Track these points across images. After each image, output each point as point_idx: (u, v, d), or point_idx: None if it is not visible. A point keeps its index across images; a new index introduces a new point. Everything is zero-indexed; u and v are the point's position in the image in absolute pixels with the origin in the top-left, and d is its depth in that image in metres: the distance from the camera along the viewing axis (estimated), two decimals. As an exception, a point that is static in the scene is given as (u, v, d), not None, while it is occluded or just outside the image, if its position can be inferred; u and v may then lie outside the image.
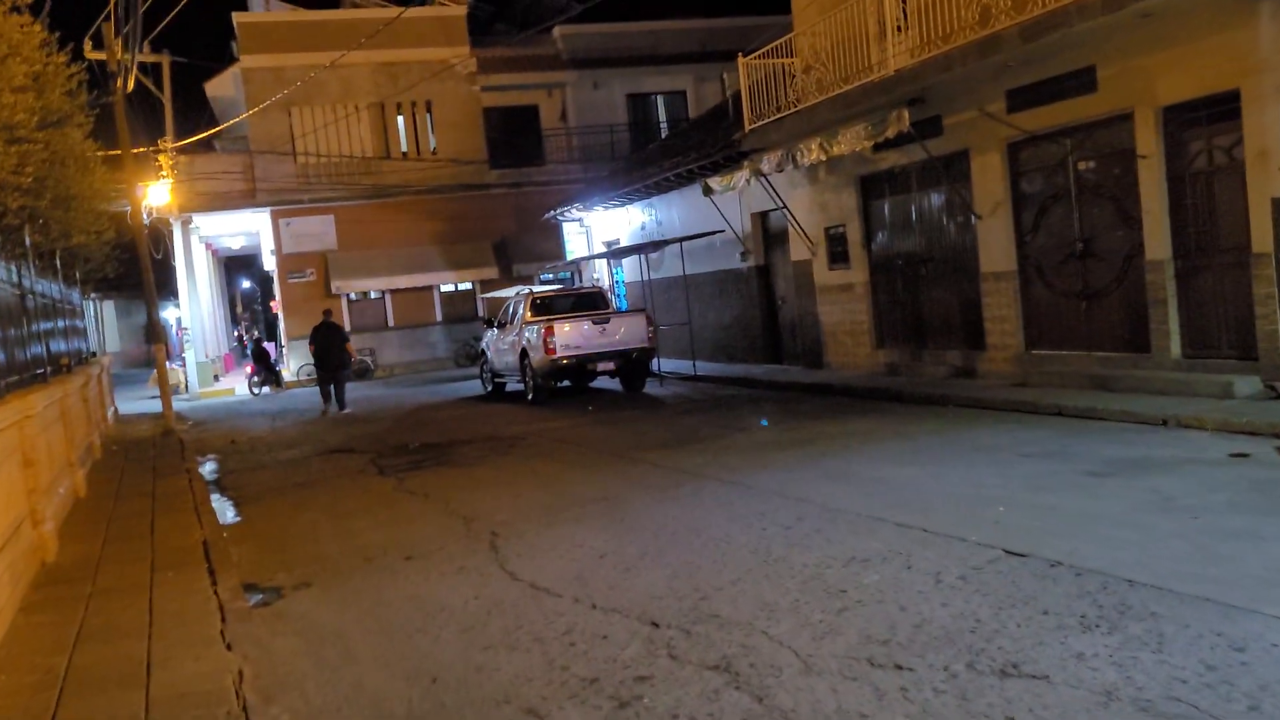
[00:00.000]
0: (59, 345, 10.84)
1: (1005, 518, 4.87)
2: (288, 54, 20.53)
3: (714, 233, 14.29)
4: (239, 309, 38.37)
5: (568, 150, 22.92)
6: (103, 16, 14.27)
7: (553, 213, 19.65)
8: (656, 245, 14.93)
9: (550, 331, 12.38)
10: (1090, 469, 5.76)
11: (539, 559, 5.07)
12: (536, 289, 15.17)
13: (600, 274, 19.94)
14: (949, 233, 10.35)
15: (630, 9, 23.80)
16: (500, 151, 22.60)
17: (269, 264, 22.88)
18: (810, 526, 5.09)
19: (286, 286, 21.48)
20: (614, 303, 16.25)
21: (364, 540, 5.95)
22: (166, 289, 23.57)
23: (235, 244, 26.72)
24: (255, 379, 19.35)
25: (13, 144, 7.26)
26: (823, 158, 10.53)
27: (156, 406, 15.00)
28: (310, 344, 14.79)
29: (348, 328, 16.93)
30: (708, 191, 13.38)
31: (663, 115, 24.04)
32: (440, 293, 22.54)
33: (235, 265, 35.84)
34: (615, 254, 16.88)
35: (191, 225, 21.26)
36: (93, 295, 22.10)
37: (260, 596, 4.99)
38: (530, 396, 12.98)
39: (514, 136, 22.85)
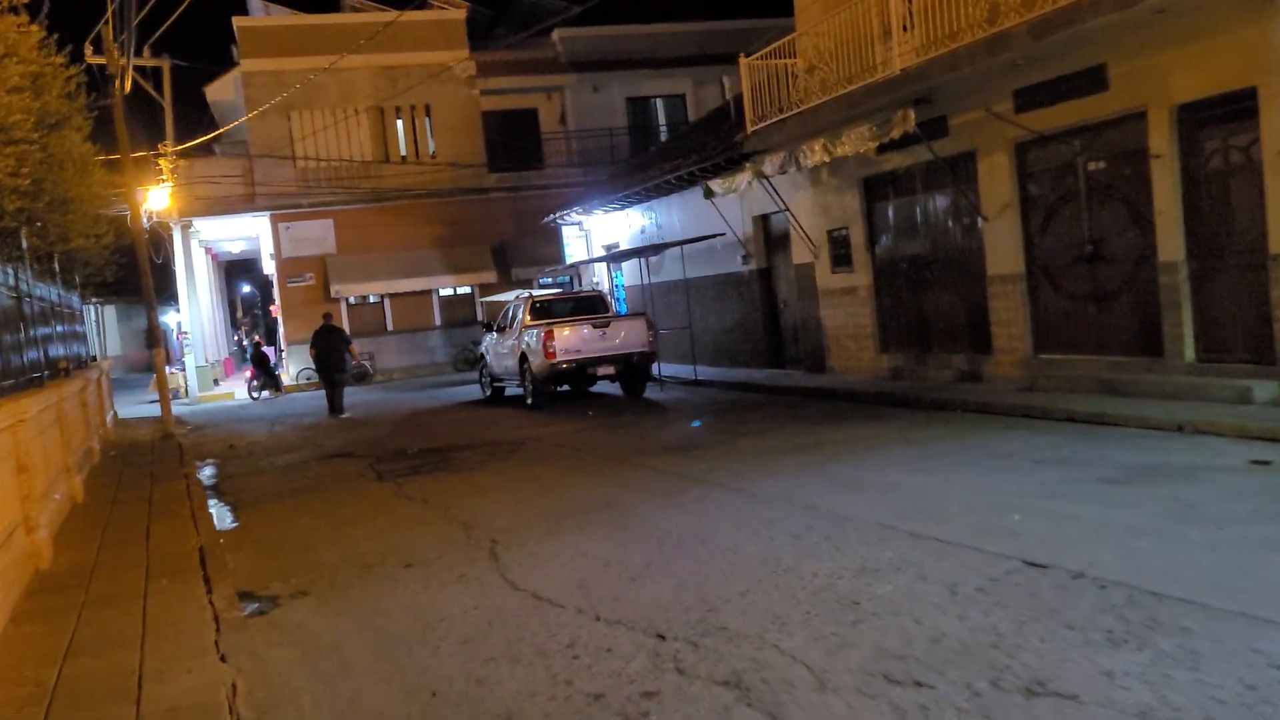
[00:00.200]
0: (57, 349, 10.74)
1: (1021, 526, 4.74)
2: (287, 58, 20.48)
3: (715, 236, 14.19)
4: (239, 313, 38.28)
5: (567, 154, 22.84)
6: (103, 21, 14.21)
7: (552, 216, 19.55)
8: (657, 249, 14.83)
9: (550, 335, 12.27)
10: (1106, 476, 5.63)
11: (541, 568, 4.94)
12: (536, 293, 15.08)
13: (599, 278, 19.84)
14: (955, 235, 10.24)
15: (629, 12, 23.81)
16: (499, 155, 22.53)
17: (268, 268, 22.80)
18: (819, 535, 4.96)
19: (286, 291, 21.39)
20: (614, 306, 16.13)
21: (362, 547, 5.83)
22: (167, 293, 23.48)
23: (235, 248, 26.66)
24: (255, 383, 19.25)
25: (9, 145, 7.16)
26: (826, 159, 10.43)
27: (156, 410, 14.89)
28: (311, 348, 14.77)
29: (347, 332, 16.86)
30: (709, 194, 13.28)
31: (662, 119, 23.96)
32: (439, 297, 22.44)
33: (235, 269, 35.77)
34: (615, 257, 16.77)
35: (191, 229, 21.19)
36: (93, 299, 22.03)
37: (256, 605, 4.87)
38: (530, 401, 12.86)
39: (513, 140, 22.78)
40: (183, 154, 18.99)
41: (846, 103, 9.98)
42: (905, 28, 9.42)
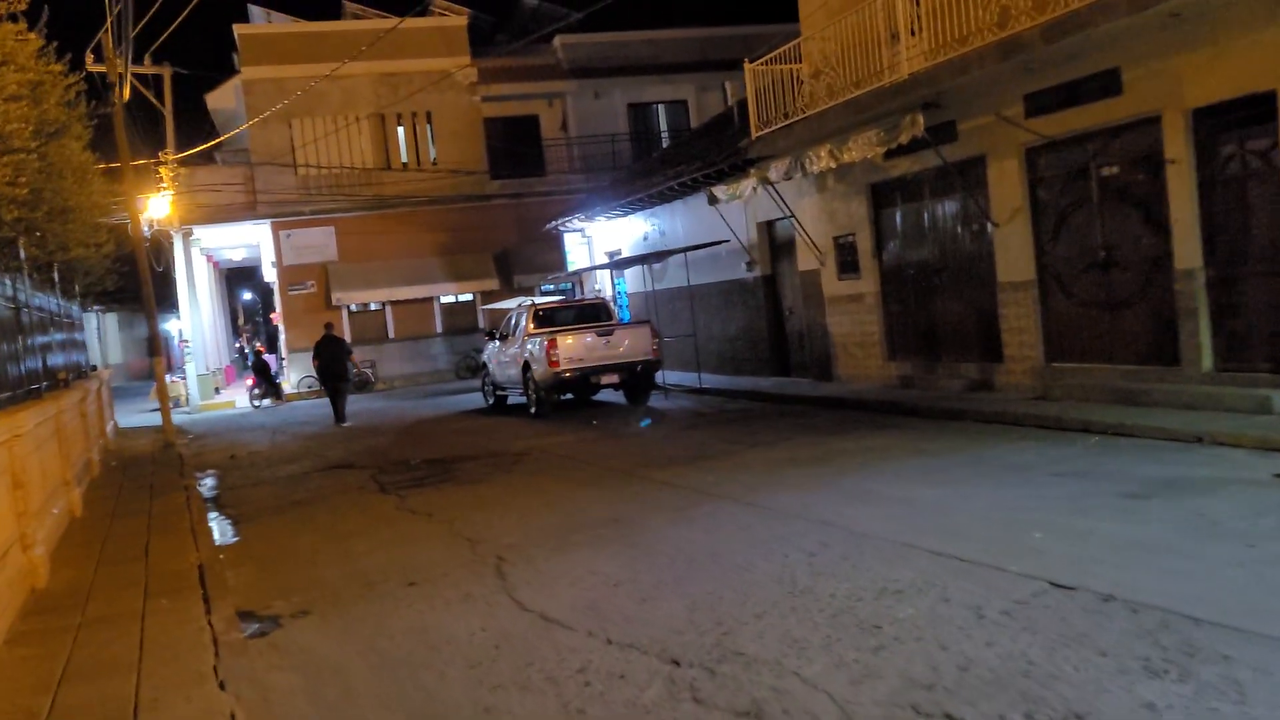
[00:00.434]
0: (56, 359, 10.62)
1: (1044, 544, 4.60)
2: (288, 65, 20.42)
3: (719, 243, 14.07)
4: (240, 321, 38.21)
5: (569, 160, 22.76)
6: (103, 30, 14.14)
7: (554, 223, 19.46)
8: (660, 256, 14.72)
9: (553, 344, 12.15)
10: (1128, 490, 5.49)
11: (549, 587, 4.81)
12: (539, 300, 14.97)
13: (602, 285, 19.73)
14: (964, 241, 10.12)
15: (631, 18, 23.73)
16: (501, 162, 22.45)
17: (270, 276, 22.70)
18: (836, 553, 4.82)
19: (287, 298, 21.30)
20: (617, 314, 16.02)
21: (365, 564, 5.70)
22: (168, 301, 23.38)
23: (236, 256, 26.58)
24: (256, 391, 19.14)
25: (6, 154, 7.07)
26: (833, 165, 10.32)
27: (157, 420, 14.77)
28: (314, 359, 14.73)
29: (348, 340, 16.80)
30: (713, 200, 13.17)
31: (664, 125, 23.89)
32: (441, 304, 22.34)
33: (236, 277, 35.70)
34: (618, 265, 16.66)
35: (192, 237, 21.11)
36: (94, 308, 21.90)
37: (257, 626, 4.74)
38: (533, 410, 12.74)
39: (515, 147, 22.71)
40: (183, 162, 18.92)
41: (853, 108, 9.87)
42: (913, 32, 9.32)
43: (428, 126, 22.03)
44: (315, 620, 4.73)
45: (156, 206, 18.12)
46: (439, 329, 22.33)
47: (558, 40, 22.73)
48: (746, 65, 11.85)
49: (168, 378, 15.56)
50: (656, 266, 15.71)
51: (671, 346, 15.05)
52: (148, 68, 18.61)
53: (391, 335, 21.99)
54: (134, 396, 24.41)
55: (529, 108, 22.99)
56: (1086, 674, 3.12)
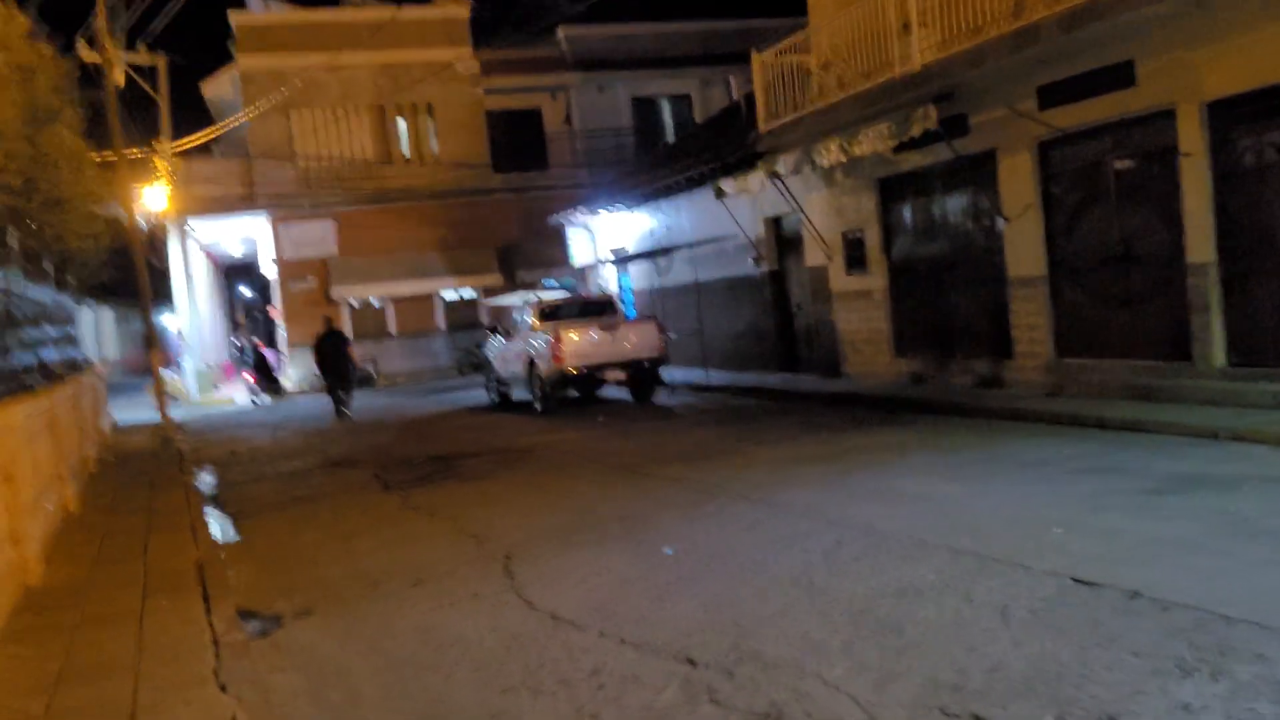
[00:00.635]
0: (50, 353, 10.47)
1: (1066, 541, 4.49)
2: (287, 55, 20.22)
3: (726, 238, 13.94)
4: (238, 316, 38.05)
5: (572, 154, 22.60)
6: (93, 13, 13.94)
7: (558, 218, 19.31)
8: (666, 251, 14.59)
9: (559, 340, 12.02)
10: (1148, 486, 5.38)
11: (558, 585, 4.69)
12: (544, 296, 14.85)
13: (606, 281, 19.59)
14: (974, 236, 9.99)
15: (635, 10, 23.52)
16: (503, 155, 22.29)
17: (268, 271, 22.55)
18: (852, 551, 4.71)
19: (286, 294, 21.13)
20: (623, 310, 15.89)
21: (369, 562, 5.58)
22: (165, 296, 23.22)
23: (234, 250, 26.39)
24: (255, 387, 19.00)
25: (-5, 140, 6.93)
26: (842, 159, 10.18)
27: (154, 416, 14.64)
28: (315, 353, 14.67)
29: (349, 336, 16.71)
30: (720, 194, 13.03)
31: (668, 119, 23.73)
32: (443, 300, 22.20)
33: (234, 273, 35.50)
34: (624, 260, 16.53)
35: (189, 230, 20.92)
36: (90, 301, 21.73)
37: (259, 626, 4.62)
38: (538, 407, 12.62)
39: (517, 140, 22.54)
40: (180, 153, 18.73)
41: (864, 100, 9.74)
42: (924, 24, 9.18)
43: (429, 119, 21.85)
44: (318, 620, 4.61)
45: (153, 198, 17.93)
46: (441, 325, 22.19)
47: (561, 32, 22.53)
48: (755, 56, 11.71)
49: (165, 373, 15.41)
50: (662, 262, 15.59)
51: (677, 343, 14.92)
52: (143, 56, 18.40)
53: (393, 331, 21.84)
54: (131, 392, 24.24)
55: (532, 100, 22.81)
56: (1119, 675, 3.00)
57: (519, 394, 13.80)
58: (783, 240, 13.78)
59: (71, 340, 13.23)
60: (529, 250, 21.65)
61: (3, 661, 4.14)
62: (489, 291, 21.46)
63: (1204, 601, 3.52)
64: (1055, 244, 8.91)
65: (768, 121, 11.60)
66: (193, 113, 23.09)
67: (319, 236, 21.10)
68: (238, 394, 20.15)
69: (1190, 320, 7.57)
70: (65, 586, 5.39)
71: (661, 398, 13.06)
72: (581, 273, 19.99)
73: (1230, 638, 3.19)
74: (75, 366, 12.66)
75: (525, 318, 13.22)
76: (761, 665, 3.40)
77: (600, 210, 17.95)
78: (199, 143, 18.98)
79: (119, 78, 14.42)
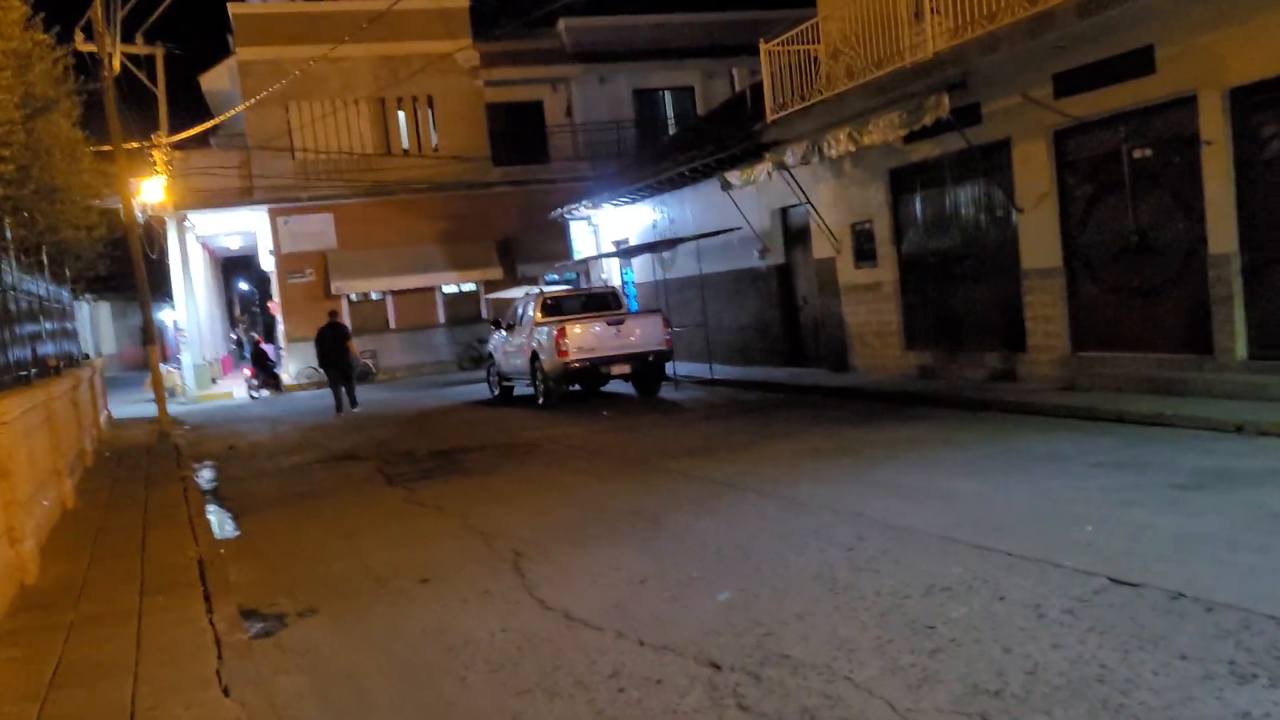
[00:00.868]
0: (46, 347, 10.29)
1: (1096, 538, 4.35)
2: (285, 46, 20.00)
3: (731, 230, 13.78)
4: (236, 311, 37.85)
5: (573, 147, 22.41)
6: (94, 6, 13.72)
7: (560, 211, 19.12)
8: (670, 243, 14.42)
9: (562, 333, 11.87)
10: (1174, 481, 5.24)
11: (571, 584, 4.55)
12: (547, 289, 14.71)
13: (609, 274, 19.42)
14: (986, 228, 9.83)
15: (636, 2, 23.31)
16: (504, 148, 22.10)
17: (267, 264, 22.36)
18: (875, 548, 4.56)
19: (285, 287, 20.96)
20: (626, 303, 15.73)
21: (374, 559, 5.44)
22: (162, 290, 23.04)
23: (232, 244, 26.21)
24: (254, 382, 18.84)
25: (-10, 127, 6.76)
26: (852, 148, 10.02)
27: (152, 410, 14.49)
28: (316, 346, 14.62)
29: (349, 328, 16.58)
30: (726, 186, 12.87)
31: (670, 111, 23.54)
32: (443, 294, 22.03)
33: (232, 266, 35.33)
34: (627, 253, 16.36)
35: (187, 223, 20.73)
36: (87, 296, 21.54)
37: (261, 625, 4.47)
38: (541, 401, 12.47)
39: (518, 132, 22.35)
40: (178, 145, 18.53)
41: (874, 89, 9.57)
42: (935, 10, 9.01)
43: (429, 111, 21.65)
44: (323, 619, 4.46)
45: (150, 190, 17.73)
46: (441, 319, 22.03)
47: (562, 24, 22.32)
48: (763, 45, 11.53)
49: (163, 367, 15.25)
50: (666, 255, 15.41)
51: (681, 336, 14.77)
52: (140, 47, 18.17)
53: (393, 325, 21.68)
54: (128, 387, 24.07)
55: (533, 93, 22.61)
56: (1168, 679, 2.86)
57: (521, 388, 13.66)
58: (790, 232, 13.62)
59: (69, 334, 13.06)
60: (530, 243, 21.47)
61: (-3, 663, 3.99)
62: (489, 285, 21.29)
63: (1247, 601, 3.37)
64: (1071, 235, 8.76)
65: (775, 111, 11.43)
66: (191, 106, 22.91)
67: (318, 229, 20.91)
68: (236, 388, 19.99)
69: (1211, 312, 7.42)
70: (62, 584, 5.24)
71: (666, 392, 12.91)
72: (584, 266, 19.82)
73: (1281, 639, 3.05)
74: (73, 361, 12.50)
75: (528, 311, 13.07)
76: (789, 667, 3.26)
77: (603, 203, 17.77)
78: (197, 133, 18.76)
79: (115, 66, 14.20)
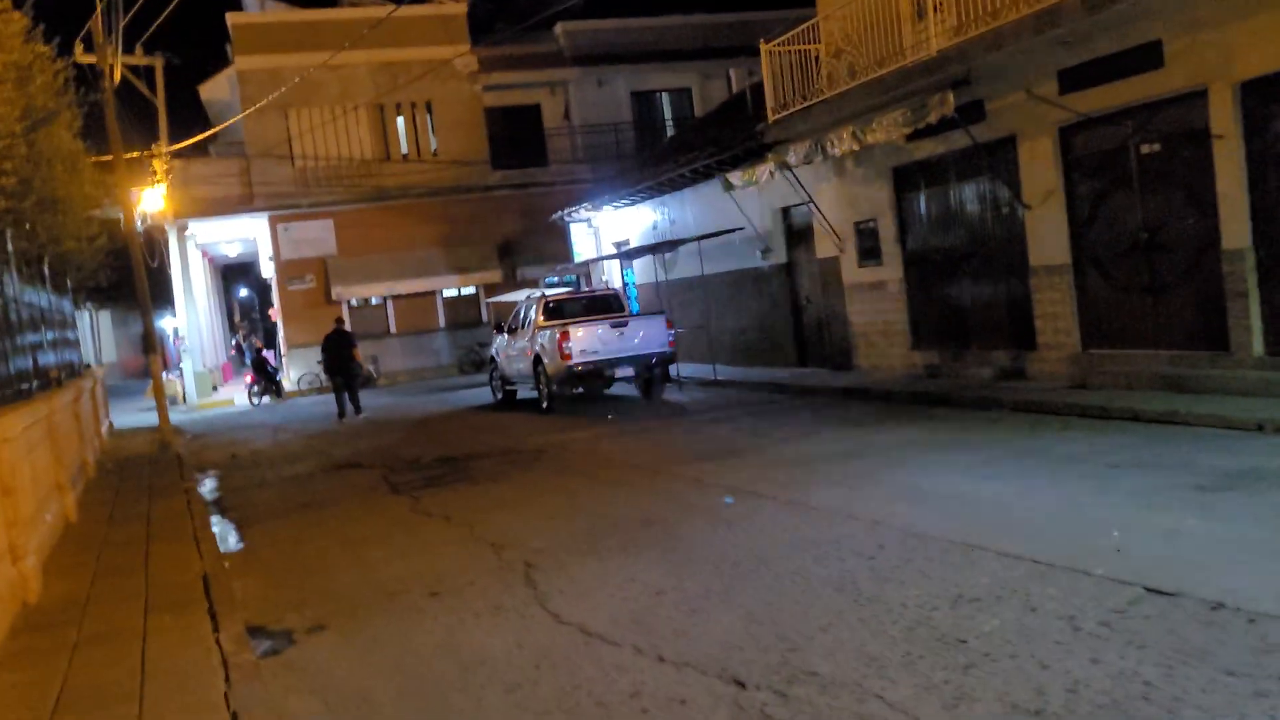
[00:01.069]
0: (48, 358, 10.21)
1: (1125, 544, 4.25)
2: (284, 55, 19.93)
3: (733, 230, 13.69)
4: (236, 318, 37.73)
5: (572, 150, 22.32)
6: (93, 17, 13.63)
7: (561, 213, 19.04)
8: (673, 244, 14.32)
9: (566, 336, 11.77)
10: (1198, 482, 5.14)
11: (586, 597, 4.44)
12: (549, 292, 14.63)
13: (610, 276, 19.32)
14: (993, 225, 9.74)
15: (634, 4, 23.22)
16: (503, 152, 22.01)
17: (267, 271, 22.28)
18: (897, 556, 4.46)
19: (286, 294, 20.87)
20: (628, 305, 15.64)
21: (382, 572, 5.34)
22: (163, 298, 22.94)
23: (232, 251, 26.12)
24: (255, 389, 18.75)
25: (-9, 140, 6.67)
26: (855, 147, 9.93)
27: (154, 419, 14.38)
28: (322, 353, 14.66)
29: (353, 335, 16.52)
30: (728, 187, 12.78)
31: (668, 113, 23.47)
32: (443, 298, 21.94)
33: (232, 274, 35.23)
34: (629, 254, 16.26)
35: (187, 232, 20.65)
36: (88, 305, 21.46)
37: (269, 644, 4.37)
38: (544, 405, 12.37)
39: (516, 136, 22.27)
40: (177, 154, 18.44)
41: (877, 87, 9.48)
42: (936, 8, 8.92)
43: (427, 116, 21.57)
44: (333, 636, 4.36)
45: (150, 200, 17.65)
46: (441, 323, 21.94)
47: (559, 27, 22.24)
48: (763, 45, 11.44)
49: (164, 375, 15.15)
50: (668, 256, 15.32)
51: (683, 338, 14.67)
52: (139, 58, 18.09)
53: (393, 330, 21.58)
54: (130, 395, 23.97)
55: (531, 96, 22.53)
56: (1217, 696, 2.76)
57: (525, 392, 13.56)
58: (792, 232, 13.53)
59: (70, 344, 12.97)
60: (530, 246, 21.39)
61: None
62: (490, 289, 21.20)
63: (1290, 610, 3.28)
64: (1079, 231, 8.67)
65: (776, 111, 11.34)
66: (191, 116, 22.84)
67: (318, 236, 20.83)
68: (237, 395, 19.89)
69: (1226, 308, 7.32)
70: (65, 603, 5.14)
71: (670, 394, 12.82)
72: (584, 269, 19.73)
73: (1328, 651, 2.95)
74: (74, 371, 12.41)
75: (530, 314, 12.97)
76: (817, 685, 3.16)
77: (603, 205, 17.68)
78: (196, 142, 18.68)
79: (116, 76, 14.11)
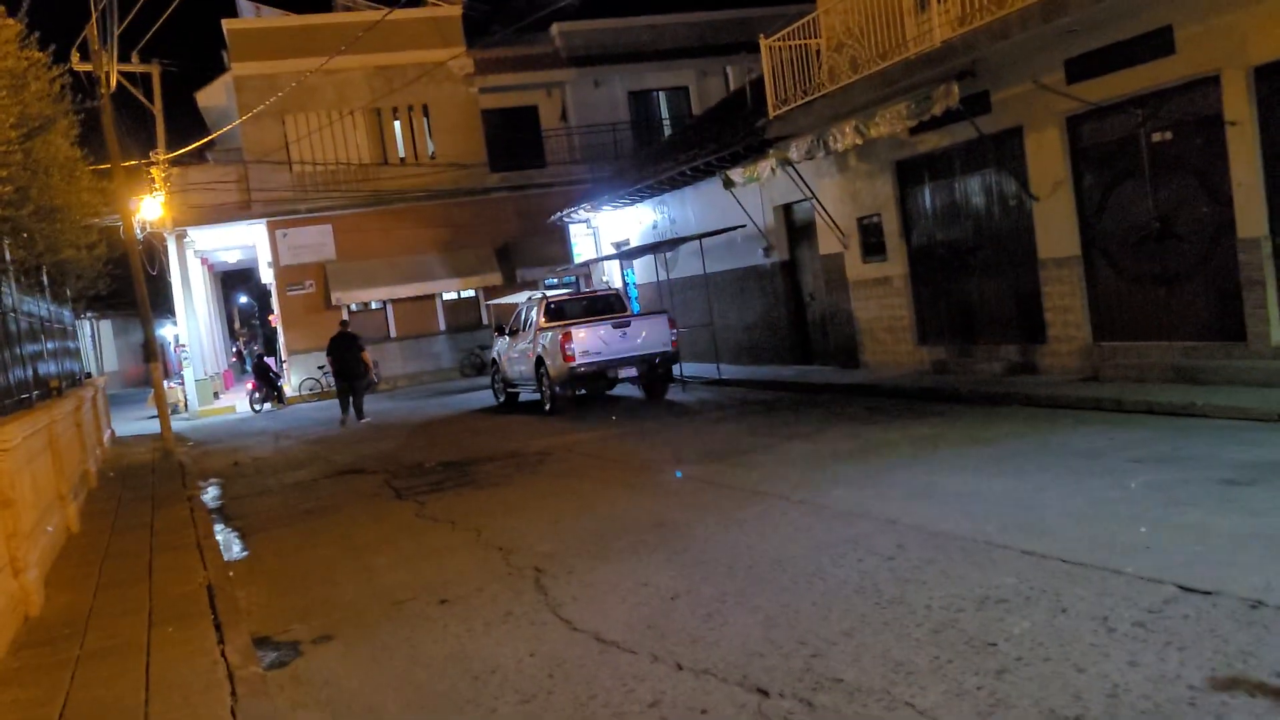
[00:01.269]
0: (48, 367, 10.12)
1: (1153, 541, 4.13)
2: (280, 60, 19.85)
3: (735, 228, 13.59)
4: (237, 325, 37.66)
5: (569, 150, 22.23)
6: (89, 25, 13.53)
7: (559, 215, 18.94)
8: (674, 243, 14.22)
9: (568, 337, 11.67)
10: (1223, 476, 5.03)
11: (598, 602, 4.34)
12: (550, 293, 14.53)
13: (610, 276, 19.23)
14: (1000, 217, 9.63)
15: (630, 3, 23.14)
16: (500, 154, 21.92)
17: (266, 277, 22.19)
18: (917, 556, 4.35)
19: (285, 299, 20.78)
20: (630, 305, 15.54)
21: (388, 579, 5.23)
22: (163, 306, 22.86)
23: (231, 258, 26.04)
24: (256, 395, 18.66)
25: (-15, 148, 6.58)
26: (858, 141, 9.82)
27: (155, 427, 14.29)
28: (328, 355, 14.46)
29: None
30: (729, 184, 12.68)
31: (665, 112, 23.38)
32: (443, 301, 21.84)
33: (232, 281, 35.16)
34: (629, 254, 16.16)
35: (186, 239, 20.57)
36: (89, 314, 21.37)
37: (275, 655, 4.27)
38: (547, 407, 12.27)
39: (514, 138, 22.17)
40: (175, 162, 18.37)
41: (880, 80, 9.38)
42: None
43: (424, 119, 21.47)
44: (340, 647, 4.25)
45: (149, 208, 17.57)
46: (441, 326, 21.84)
47: (555, 28, 22.16)
48: (763, 40, 11.34)
49: (165, 384, 15.07)
50: (669, 255, 15.22)
51: (685, 338, 14.57)
52: (136, 66, 18.02)
53: (393, 334, 21.49)
54: (131, 404, 23.89)
55: (528, 98, 22.44)
56: (1267, 701, 2.65)
57: (527, 394, 13.46)
58: (794, 228, 13.43)
59: (70, 353, 12.88)
60: (529, 248, 21.29)
61: (0, 706, 3.79)
62: (489, 291, 21.10)
63: (1329, 607, 3.17)
64: (1089, 222, 8.56)
65: (777, 107, 11.24)
66: (189, 123, 22.76)
67: (317, 241, 20.74)
68: (239, 402, 19.80)
69: (1243, 298, 7.21)
70: (68, 616, 5.04)
71: (674, 394, 12.71)
72: (584, 269, 19.63)
73: (1375, 649, 2.84)
74: (75, 380, 12.31)
75: (532, 316, 12.87)
76: (845, 693, 3.05)
77: (602, 205, 17.58)
78: (194, 149, 18.60)
79: (112, 82, 14.01)
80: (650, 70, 22.77)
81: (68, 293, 12.41)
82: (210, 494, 9.26)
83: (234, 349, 31.44)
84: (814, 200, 12.05)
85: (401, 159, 21.30)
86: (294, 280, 20.72)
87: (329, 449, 11.65)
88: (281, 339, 21.44)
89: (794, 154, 10.99)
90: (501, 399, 14.35)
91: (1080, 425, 6.93)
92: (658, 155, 16.82)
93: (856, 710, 2.92)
